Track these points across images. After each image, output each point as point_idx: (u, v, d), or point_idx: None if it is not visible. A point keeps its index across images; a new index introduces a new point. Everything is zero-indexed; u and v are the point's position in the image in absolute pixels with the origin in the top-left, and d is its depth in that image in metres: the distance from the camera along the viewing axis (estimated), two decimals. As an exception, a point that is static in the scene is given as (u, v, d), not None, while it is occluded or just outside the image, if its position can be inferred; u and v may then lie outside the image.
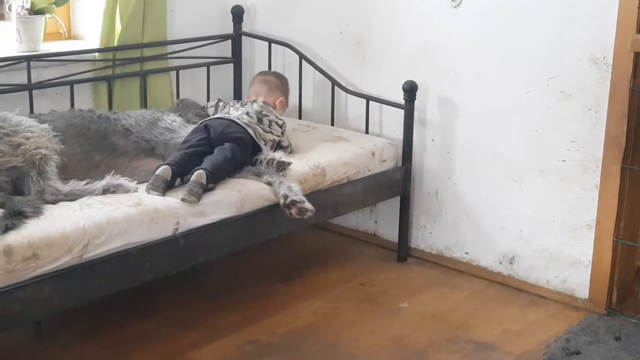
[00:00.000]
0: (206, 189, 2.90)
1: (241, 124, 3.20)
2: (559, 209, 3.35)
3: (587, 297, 3.30)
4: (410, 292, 3.43)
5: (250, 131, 3.20)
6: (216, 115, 3.35)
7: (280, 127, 3.42)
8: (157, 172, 2.88)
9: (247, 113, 3.33)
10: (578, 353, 2.91)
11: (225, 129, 3.14)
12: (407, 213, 3.73)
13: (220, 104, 3.56)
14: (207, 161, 2.97)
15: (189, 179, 2.90)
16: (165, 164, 2.91)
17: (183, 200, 2.83)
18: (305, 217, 3.03)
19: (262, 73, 3.75)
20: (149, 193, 2.83)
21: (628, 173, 3.17)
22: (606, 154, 3.18)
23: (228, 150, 3.05)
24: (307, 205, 3.02)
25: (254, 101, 3.49)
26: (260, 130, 3.28)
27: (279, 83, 3.64)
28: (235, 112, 3.34)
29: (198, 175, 2.87)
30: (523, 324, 3.16)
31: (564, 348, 2.93)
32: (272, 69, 4.14)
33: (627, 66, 3.07)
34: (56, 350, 2.90)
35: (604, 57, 3.13)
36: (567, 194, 3.31)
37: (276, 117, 3.44)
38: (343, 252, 3.85)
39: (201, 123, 3.20)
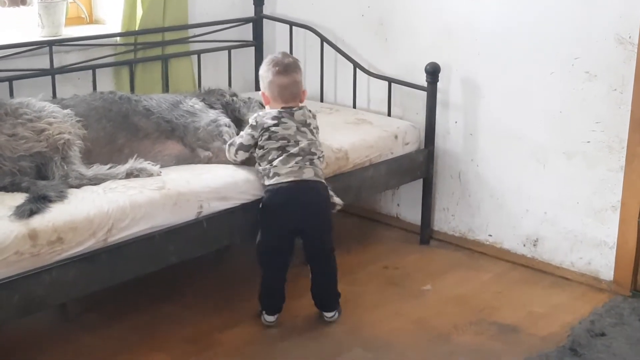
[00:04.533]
0: None
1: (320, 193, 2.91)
2: (584, 191, 3.31)
3: (611, 278, 3.27)
4: (434, 274, 3.42)
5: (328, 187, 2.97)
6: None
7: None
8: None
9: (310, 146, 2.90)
10: (603, 335, 2.90)
11: (317, 227, 2.91)
12: (429, 196, 3.71)
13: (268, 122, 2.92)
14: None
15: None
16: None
17: None
18: (334, 211, 3.03)
19: (283, 66, 2.97)
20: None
21: (653, 153, 3.13)
22: (631, 135, 3.14)
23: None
24: (336, 199, 3.03)
25: (292, 108, 2.95)
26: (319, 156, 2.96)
27: (300, 73, 3.04)
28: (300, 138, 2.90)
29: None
30: (547, 306, 3.15)
31: (589, 330, 2.92)
32: (294, 52, 4.12)
33: (654, 45, 3.03)
34: (83, 333, 2.93)
35: (630, 37, 3.08)
36: (591, 175, 3.28)
37: (313, 116, 3.03)
38: (365, 235, 3.85)
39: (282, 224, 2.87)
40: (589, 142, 3.27)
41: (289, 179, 2.84)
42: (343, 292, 3.24)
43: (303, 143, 2.88)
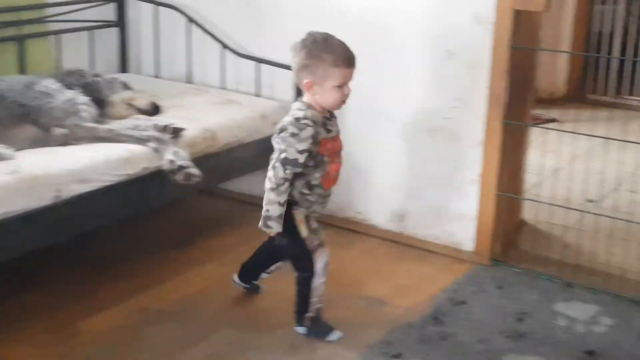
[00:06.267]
0: None
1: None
2: (446, 166, 3.42)
3: (472, 249, 3.40)
4: (304, 252, 3.43)
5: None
6: None
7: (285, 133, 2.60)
8: None
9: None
10: (464, 302, 3.01)
11: None
12: (300, 175, 3.73)
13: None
14: None
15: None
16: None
17: None
18: (192, 182, 2.98)
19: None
20: None
21: (509, 128, 3.26)
22: (489, 111, 3.26)
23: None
24: (194, 170, 2.98)
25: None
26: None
27: (300, 57, 2.62)
28: None
29: None
30: (413, 278, 3.23)
31: (451, 299, 3.03)
32: (160, 33, 4.03)
33: (508, 24, 3.15)
34: None
35: (486, 16, 3.18)
36: (453, 150, 3.38)
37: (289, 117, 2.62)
38: (237, 218, 3.82)
39: None
40: (450, 118, 3.37)
41: None
42: (213, 274, 3.23)
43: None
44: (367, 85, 3.54)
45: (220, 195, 3.99)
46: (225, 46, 3.82)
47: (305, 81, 2.60)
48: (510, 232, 3.51)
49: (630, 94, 6.25)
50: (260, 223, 2.70)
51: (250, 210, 3.89)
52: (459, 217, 3.42)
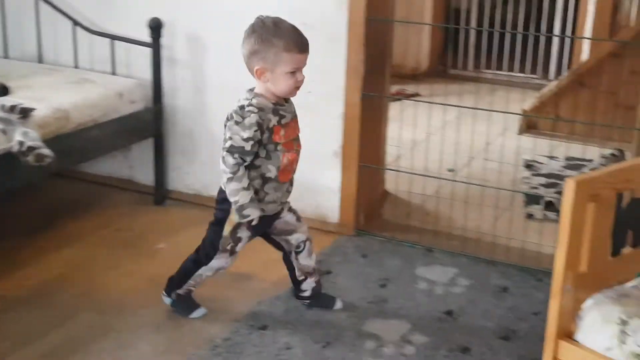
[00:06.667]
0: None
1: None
2: (310, 140, 3.39)
3: (337, 220, 3.45)
4: (168, 233, 3.38)
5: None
6: None
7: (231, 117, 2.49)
8: None
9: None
10: (329, 272, 3.05)
11: None
12: (161, 155, 3.66)
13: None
14: None
15: None
16: None
17: None
18: (44, 163, 2.85)
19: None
20: None
21: (368, 101, 3.32)
22: (348, 83, 3.30)
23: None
24: (45, 151, 2.85)
25: None
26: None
27: (250, 43, 2.47)
28: None
29: None
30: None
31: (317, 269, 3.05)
32: (6, 12, 3.82)
33: (362, -4, 3.19)
34: None
35: (340, -15, 3.22)
36: (316, 124, 3.39)
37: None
38: (97, 201, 3.71)
39: None
40: (310, 92, 3.37)
41: None
42: (72, 258, 3.13)
43: None
44: (227, 60, 3.50)
45: (77, 177, 3.87)
46: (76, 23, 3.67)
47: (256, 68, 2.46)
48: (373, 203, 3.59)
49: (487, 67, 6.53)
50: (236, 218, 2.55)
51: (109, 192, 3.82)
52: (323, 189, 3.45)
